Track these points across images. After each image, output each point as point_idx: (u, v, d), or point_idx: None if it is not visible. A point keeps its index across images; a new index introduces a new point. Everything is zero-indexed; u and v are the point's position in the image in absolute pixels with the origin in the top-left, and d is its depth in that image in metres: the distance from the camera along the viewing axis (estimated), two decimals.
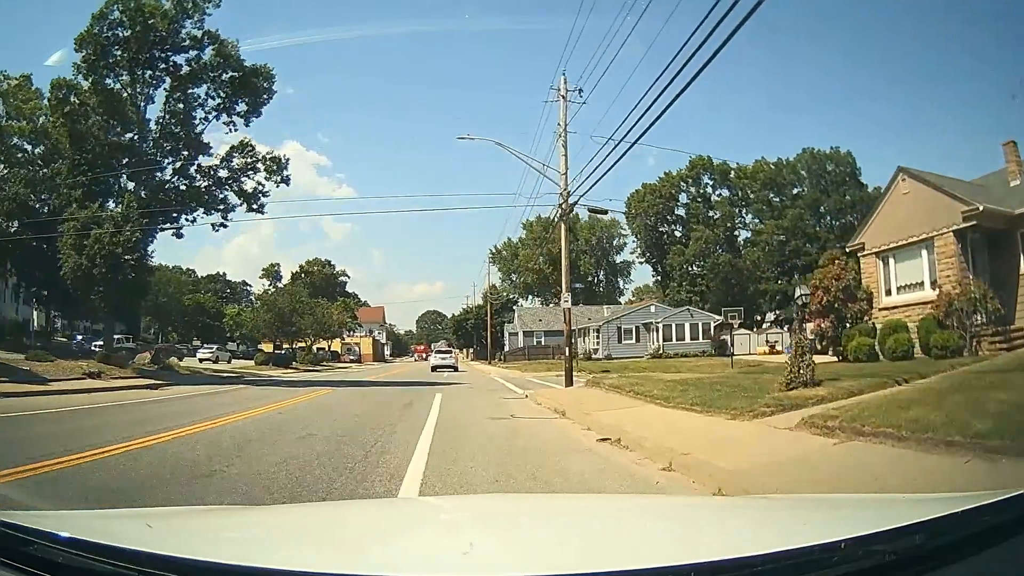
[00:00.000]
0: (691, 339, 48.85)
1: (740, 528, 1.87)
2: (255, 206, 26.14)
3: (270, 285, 46.43)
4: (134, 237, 23.73)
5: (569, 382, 18.04)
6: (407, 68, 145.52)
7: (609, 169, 15.69)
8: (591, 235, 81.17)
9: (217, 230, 26.33)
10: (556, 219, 19.47)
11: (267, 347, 55.56)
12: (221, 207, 25.91)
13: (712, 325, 50.53)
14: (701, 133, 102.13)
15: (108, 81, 25.36)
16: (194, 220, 26.12)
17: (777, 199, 70.72)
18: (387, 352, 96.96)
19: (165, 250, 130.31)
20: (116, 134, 25.79)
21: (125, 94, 26.44)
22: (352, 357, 65.17)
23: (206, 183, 25.93)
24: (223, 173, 25.92)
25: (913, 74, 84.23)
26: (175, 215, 25.51)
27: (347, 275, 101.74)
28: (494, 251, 79.90)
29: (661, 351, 46.00)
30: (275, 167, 25.93)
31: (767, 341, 51.69)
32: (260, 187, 26.11)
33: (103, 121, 25.63)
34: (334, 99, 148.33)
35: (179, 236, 26.82)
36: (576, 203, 18.52)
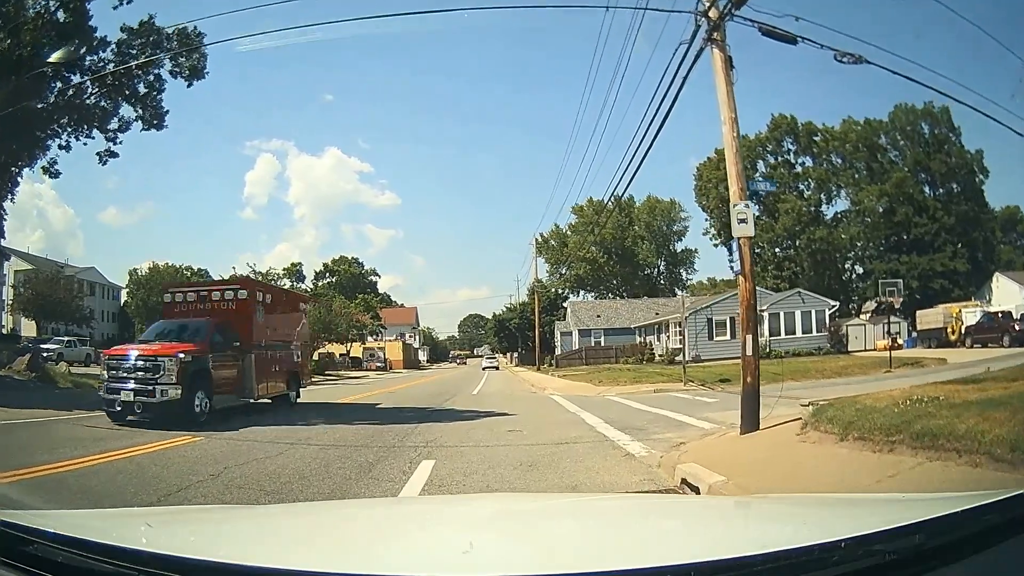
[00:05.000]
0: (802, 331, 37.60)
1: (740, 528, 1.85)
2: (154, 120, 16.67)
3: (251, 272, 35.32)
4: None
5: (753, 421, 7.60)
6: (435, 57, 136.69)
7: None
8: (651, 218, 70.04)
9: (104, 162, 17.03)
10: (689, 50, 8.78)
11: None
12: (106, 122, 16.36)
13: (826, 313, 39.21)
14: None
15: None
16: (68, 147, 16.81)
17: (875, 163, 58.61)
18: (423, 357, 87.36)
19: (181, 249, 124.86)
20: None
21: None
22: (378, 364, 55.76)
23: (85, 83, 16.40)
24: (112, 69, 16.31)
25: (911, 72, 72.51)
26: (42, 137, 16.10)
27: (377, 274, 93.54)
28: (540, 239, 69.27)
29: (769, 348, 34.85)
30: (183, 51, 16.14)
31: (887, 332, 40.86)
32: (158, 84, 16.59)
33: None
34: (373, 103, 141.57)
35: (54, 175, 17.55)
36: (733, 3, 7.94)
